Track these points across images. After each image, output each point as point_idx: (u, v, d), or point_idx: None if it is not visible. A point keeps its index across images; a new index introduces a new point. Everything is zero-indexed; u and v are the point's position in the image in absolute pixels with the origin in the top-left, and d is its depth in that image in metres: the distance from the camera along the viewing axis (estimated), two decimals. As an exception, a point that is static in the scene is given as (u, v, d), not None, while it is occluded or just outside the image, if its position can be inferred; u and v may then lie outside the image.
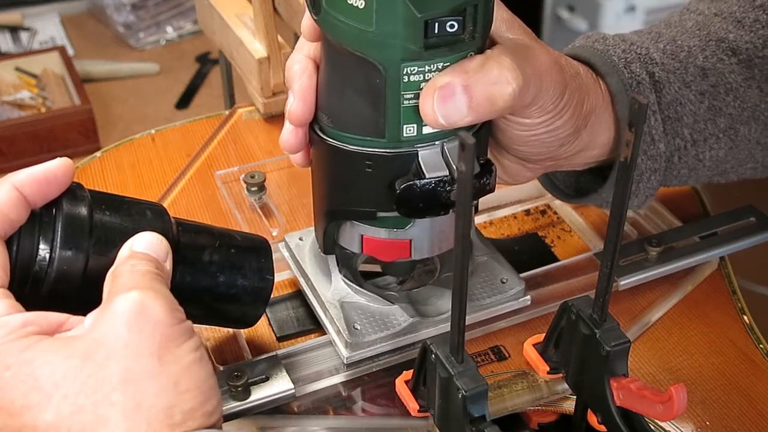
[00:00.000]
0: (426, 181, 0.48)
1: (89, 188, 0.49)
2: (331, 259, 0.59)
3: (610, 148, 0.57)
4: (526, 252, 0.69)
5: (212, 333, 0.60)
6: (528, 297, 0.61)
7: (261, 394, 0.55)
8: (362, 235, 0.53)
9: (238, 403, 0.54)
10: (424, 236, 0.53)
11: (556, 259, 0.68)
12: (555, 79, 0.49)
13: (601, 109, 0.55)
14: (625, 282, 0.64)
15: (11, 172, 0.47)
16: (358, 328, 0.57)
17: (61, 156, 0.48)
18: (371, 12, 0.43)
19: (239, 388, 0.54)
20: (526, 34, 0.50)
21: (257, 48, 0.83)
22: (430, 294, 0.60)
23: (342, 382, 0.57)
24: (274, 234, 0.69)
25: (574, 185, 0.63)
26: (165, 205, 0.73)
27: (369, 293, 0.58)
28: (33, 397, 0.40)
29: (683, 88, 0.57)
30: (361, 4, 0.44)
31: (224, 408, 0.54)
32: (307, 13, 0.48)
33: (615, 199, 0.45)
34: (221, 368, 0.57)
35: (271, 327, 0.62)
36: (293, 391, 0.55)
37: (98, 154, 0.80)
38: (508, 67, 0.46)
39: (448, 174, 0.48)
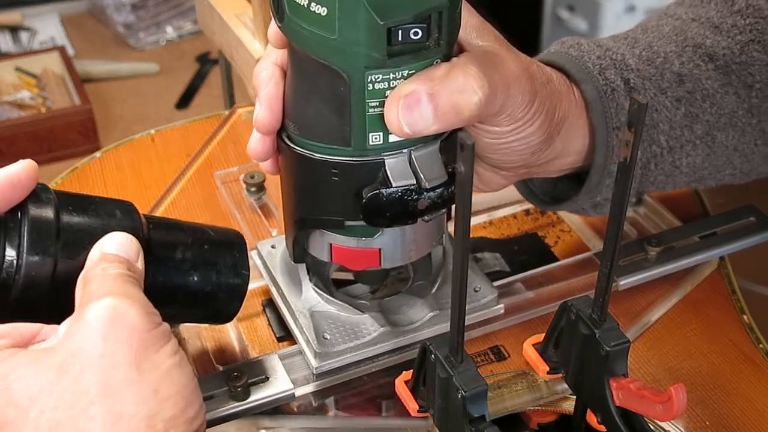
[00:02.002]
0: (392, 189, 0.47)
1: (57, 189, 0.48)
2: (302, 268, 0.58)
3: (585, 155, 0.56)
4: (526, 252, 0.69)
5: (212, 333, 0.60)
6: (501, 306, 0.61)
7: (261, 394, 0.55)
8: (331, 244, 0.53)
9: (238, 403, 0.54)
10: (394, 245, 0.52)
11: (555, 259, 0.68)
12: (524, 87, 0.48)
13: (574, 117, 0.54)
14: (625, 282, 0.64)
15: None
16: (328, 337, 0.56)
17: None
18: (334, 19, 0.43)
19: (239, 388, 0.54)
20: (497, 41, 0.50)
21: (257, 48, 0.83)
22: (401, 303, 0.59)
23: (342, 383, 0.57)
24: (274, 234, 0.68)
25: (551, 192, 0.62)
26: (165, 205, 0.73)
27: (339, 302, 0.58)
28: (9, 413, 0.39)
29: (659, 94, 0.57)
30: (324, 12, 0.43)
31: (224, 408, 0.54)
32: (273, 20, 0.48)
33: (614, 199, 0.45)
34: (221, 368, 0.57)
35: (271, 327, 0.62)
36: (293, 391, 0.55)
37: (98, 154, 0.81)
38: (474, 75, 0.45)
39: (415, 183, 0.48)
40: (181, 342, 0.59)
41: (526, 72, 0.49)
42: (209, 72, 2.28)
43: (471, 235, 0.44)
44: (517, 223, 0.72)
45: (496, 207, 0.73)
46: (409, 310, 0.59)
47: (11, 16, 2.39)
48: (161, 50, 2.37)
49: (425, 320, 0.57)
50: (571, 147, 0.55)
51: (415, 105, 0.45)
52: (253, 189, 0.73)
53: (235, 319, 0.61)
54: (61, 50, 2.20)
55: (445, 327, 0.57)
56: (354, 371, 0.57)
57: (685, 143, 0.58)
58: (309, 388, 0.56)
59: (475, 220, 0.71)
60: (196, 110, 2.14)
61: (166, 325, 0.42)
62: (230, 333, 0.61)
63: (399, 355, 0.57)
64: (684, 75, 0.57)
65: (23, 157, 0.47)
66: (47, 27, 2.40)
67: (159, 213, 0.72)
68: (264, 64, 0.50)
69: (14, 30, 2.37)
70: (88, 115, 1.97)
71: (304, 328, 0.57)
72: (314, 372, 0.56)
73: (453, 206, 0.52)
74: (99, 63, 2.27)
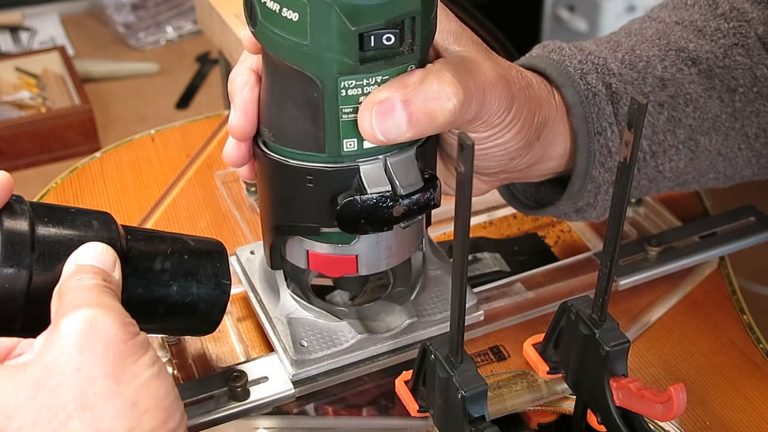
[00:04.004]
0: (367, 196, 0.47)
1: (34, 200, 0.47)
2: (279, 275, 0.57)
3: (567, 159, 0.56)
4: (526, 252, 0.69)
5: (212, 333, 0.60)
6: (481, 312, 0.60)
7: (261, 394, 0.55)
8: (308, 251, 0.53)
9: (238, 403, 0.54)
10: (371, 251, 0.52)
11: (556, 259, 0.68)
12: (500, 94, 0.48)
13: (555, 121, 0.54)
14: (625, 282, 0.64)
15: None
16: (305, 345, 0.55)
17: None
18: (305, 25, 0.42)
19: (239, 389, 0.54)
20: (475, 46, 0.49)
21: (257, 48, 0.83)
22: (380, 310, 0.59)
23: (341, 382, 0.57)
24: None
25: (534, 196, 0.62)
26: (165, 205, 0.73)
27: (317, 309, 0.57)
28: None
29: None
30: (296, 17, 0.42)
31: (224, 408, 0.54)
32: None
33: (614, 199, 0.45)
34: (221, 368, 0.57)
35: (271, 327, 0.62)
36: (293, 391, 0.55)
37: (98, 154, 0.81)
38: (448, 81, 0.45)
39: (390, 189, 0.47)
40: (180, 343, 0.59)
41: (503, 78, 0.49)
42: (209, 72, 2.28)
43: (471, 235, 0.44)
44: (517, 223, 0.72)
45: (496, 207, 0.73)
46: (387, 317, 0.58)
47: (11, 16, 2.39)
48: (161, 50, 2.37)
49: (403, 327, 0.57)
50: (553, 151, 0.55)
51: (389, 112, 0.44)
52: (253, 189, 0.73)
53: (234, 319, 0.62)
54: (61, 50, 2.20)
55: (423, 334, 0.58)
56: (331, 379, 0.56)
57: (668, 148, 0.57)
58: (309, 389, 0.56)
59: (475, 220, 0.71)
60: (196, 110, 2.14)
61: (143, 335, 0.42)
62: (230, 333, 0.61)
63: (376, 362, 0.57)
64: (666, 79, 0.57)
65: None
66: (47, 27, 2.40)
67: (159, 213, 0.72)
68: (239, 69, 0.50)
69: (14, 30, 2.38)
70: (88, 115, 1.97)
71: (281, 335, 0.56)
72: (291, 380, 0.55)
73: (432, 212, 0.52)
74: (99, 63, 2.27)
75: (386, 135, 0.45)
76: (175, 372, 0.57)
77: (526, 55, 0.58)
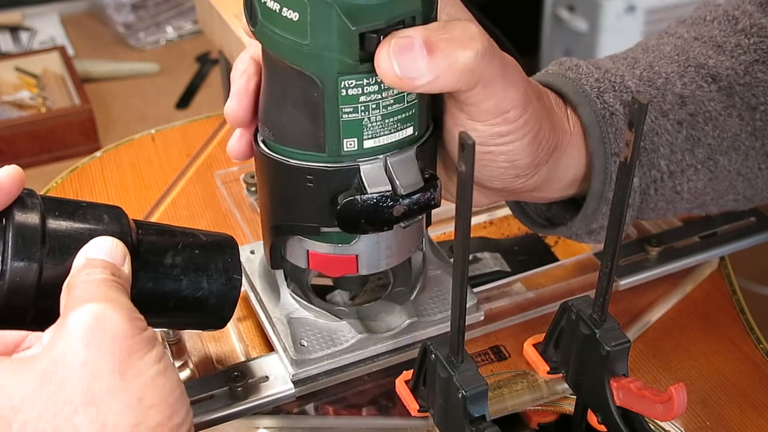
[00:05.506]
0: (368, 196, 0.47)
1: (44, 194, 0.47)
2: (279, 274, 0.57)
3: (576, 186, 0.54)
4: (526, 252, 0.69)
5: (212, 333, 0.60)
6: (482, 312, 0.60)
7: (261, 394, 0.55)
8: (308, 251, 0.53)
9: (239, 403, 0.54)
10: (371, 251, 0.52)
11: (556, 259, 0.68)
12: (518, 83, 0.46)
13: (568, 146, 0.52)
14: (625, 282, 0.64)
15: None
16: (305, 344, 0.55)
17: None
18: (305, 25, 0.42)
19: (239, 388, 0.54)
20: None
21: (257, 48, 0.83)
22: (380, 309, 0.59)
23: (342, 382, 0.57)
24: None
25: (545, 214, 0.61)
26: (165, 204, 0.73)
27: (317, 309, 0.57)
28: None
29: (660, 117, 0.54)
30: (296, 17, 0.43)
31: (224, 408, 0.54)
32: None
33: (614, 199, 0.45)
34: (221, 368, 0.57)
35: (271, 327, 0.62)
36: (293, 390, 0.55)
37: (98, 154, 0.81)
38: (473, 27, 0.44)
39: (390, 189, 0.47)
40: (180, 342, 0.59)
41: (523, 75, 0.48)
42: (209, 72, 2.28)
43: (471, 235, 0.43)
44: (517, 223, 0.72)
45: (496, 207, 0.73)
46: (387, 316, 0.58)
47: (11, 16, 2.39)
48: (161, 50, 2.38)
49: (403, 327, 0.57)
50: (563, 176, 0.53)
51: (408, 48, 0.43)
52: (253, 189, 0.73)
53: (235, 319, 0.62)
54: (61, 50, 2.20)
55: (423, 334, 0.57)
56: (331, 378, 0.56)
57: (686, 167, 0.55)
58: (309, 388, 0.56)
59: (475, 220, 0.71)
60: (196, 110, 2.14)
61: (151, 331, 0.42)
62: (231, 333, 0.61)
63: (376, 362, 0.57)
64: (686, 96, 0.55)
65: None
66: (47, 27, 2.40)
67: (159, 212, 0.72)
68: (243, 56, 0.50)
69: (14, 30, 2.38)
70: (88, 115, 1.97)
71: (281, 335, 0.56)
72: (291, 379, 0.55)
73: (432, 212, 0.52)
74: (99, 63, 2.27)
75: (404, 70, 0.43)
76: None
77: (542, 71, 0.57)
